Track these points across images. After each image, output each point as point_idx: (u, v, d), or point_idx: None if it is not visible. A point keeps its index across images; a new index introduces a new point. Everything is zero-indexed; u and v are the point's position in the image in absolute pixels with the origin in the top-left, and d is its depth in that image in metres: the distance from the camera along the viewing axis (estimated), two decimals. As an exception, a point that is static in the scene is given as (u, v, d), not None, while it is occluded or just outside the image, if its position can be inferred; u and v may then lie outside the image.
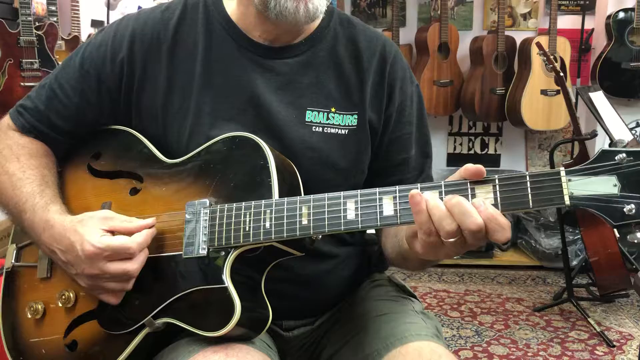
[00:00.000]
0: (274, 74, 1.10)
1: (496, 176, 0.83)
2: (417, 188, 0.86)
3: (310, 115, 1.09)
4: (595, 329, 2.66)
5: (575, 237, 3.23)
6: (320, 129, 1.10)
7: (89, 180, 1.13)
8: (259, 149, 0.97)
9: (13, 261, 1.15)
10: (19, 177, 1.07)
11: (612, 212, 0.78)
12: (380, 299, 1.17)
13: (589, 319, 2.72)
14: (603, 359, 2.48)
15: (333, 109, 1.10)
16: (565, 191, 0.79)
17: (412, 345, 1.02)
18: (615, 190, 0.78)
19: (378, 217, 0.87)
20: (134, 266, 0.96)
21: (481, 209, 0.80)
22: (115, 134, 1.14)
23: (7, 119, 1.15)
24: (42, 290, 1.10)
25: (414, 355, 1.00)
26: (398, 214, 0.87)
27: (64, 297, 1.06)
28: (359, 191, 0.90)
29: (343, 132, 1.11)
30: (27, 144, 1.12)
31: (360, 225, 0.88)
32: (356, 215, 0.89)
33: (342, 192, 0.90)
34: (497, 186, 0.82)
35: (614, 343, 2.59)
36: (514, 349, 2.56)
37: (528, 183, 0.81)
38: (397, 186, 0.88)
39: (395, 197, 0.87)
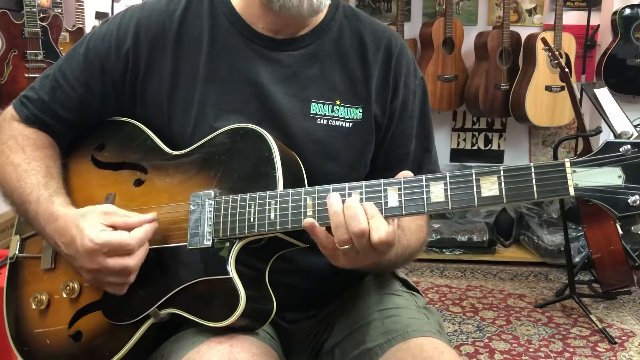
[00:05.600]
0: (278, 65, 1.09)
1: (501, 167, 0.83)
2: (422, 180, 0.86)
3: (315, 108, 1.09)
4: (597, 326, 2.66)
5: (578, 234, 3.22)
6: (325, 121, 1.09)
7: (93, 172, 1.13)
8: (263, 140, 0.97)
9: (17, 252, 1.15)
10: (24, 169, 1.07)
11: (617, 202, 0.78)
12: (384, 293, 1.16)
13: (591, 316, 2.71)
14: (605, 356, 2.48)
15: (338, 102, 1.10)
16: (570, 182, 0.80)
17: (414, 342, 1.02)
18: (619, 182, 0.78)
19: (383, 208, 0.88)
20: (132, 262, 0.96)
21: (367, 210, 0.86)
22: (119, 125, 1.14)
23: (10, 109, 1.14)
24: (46, 281, 1.10)
25: (416, 351, 1.00)
26: (403, 205, 0.87)
27: (68, 287, 1.06)
28: (363, 182, 0.90)
29: (347, 125, 1.10)
30: (32, 135, 1.12)
31: None
32: None
33: (346, 184, 0.90)
34: (502, 177, 0.83)
35: (616, 340, 2.59)
36: (516, 345, 2.56)
37: (533, 174, 0.81)
38: (402, 177, 0.88)
39: (400, 189, 0.87)
